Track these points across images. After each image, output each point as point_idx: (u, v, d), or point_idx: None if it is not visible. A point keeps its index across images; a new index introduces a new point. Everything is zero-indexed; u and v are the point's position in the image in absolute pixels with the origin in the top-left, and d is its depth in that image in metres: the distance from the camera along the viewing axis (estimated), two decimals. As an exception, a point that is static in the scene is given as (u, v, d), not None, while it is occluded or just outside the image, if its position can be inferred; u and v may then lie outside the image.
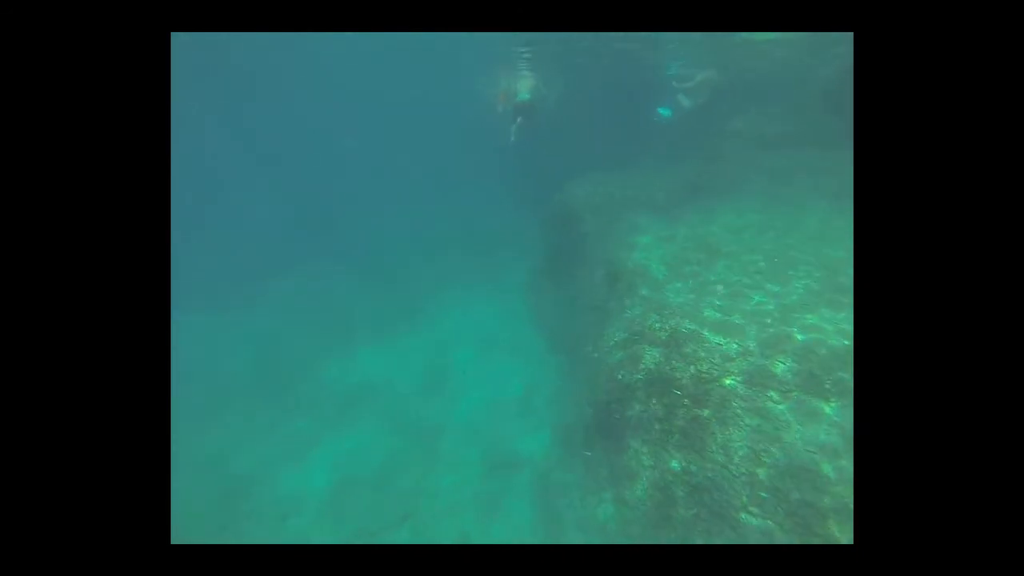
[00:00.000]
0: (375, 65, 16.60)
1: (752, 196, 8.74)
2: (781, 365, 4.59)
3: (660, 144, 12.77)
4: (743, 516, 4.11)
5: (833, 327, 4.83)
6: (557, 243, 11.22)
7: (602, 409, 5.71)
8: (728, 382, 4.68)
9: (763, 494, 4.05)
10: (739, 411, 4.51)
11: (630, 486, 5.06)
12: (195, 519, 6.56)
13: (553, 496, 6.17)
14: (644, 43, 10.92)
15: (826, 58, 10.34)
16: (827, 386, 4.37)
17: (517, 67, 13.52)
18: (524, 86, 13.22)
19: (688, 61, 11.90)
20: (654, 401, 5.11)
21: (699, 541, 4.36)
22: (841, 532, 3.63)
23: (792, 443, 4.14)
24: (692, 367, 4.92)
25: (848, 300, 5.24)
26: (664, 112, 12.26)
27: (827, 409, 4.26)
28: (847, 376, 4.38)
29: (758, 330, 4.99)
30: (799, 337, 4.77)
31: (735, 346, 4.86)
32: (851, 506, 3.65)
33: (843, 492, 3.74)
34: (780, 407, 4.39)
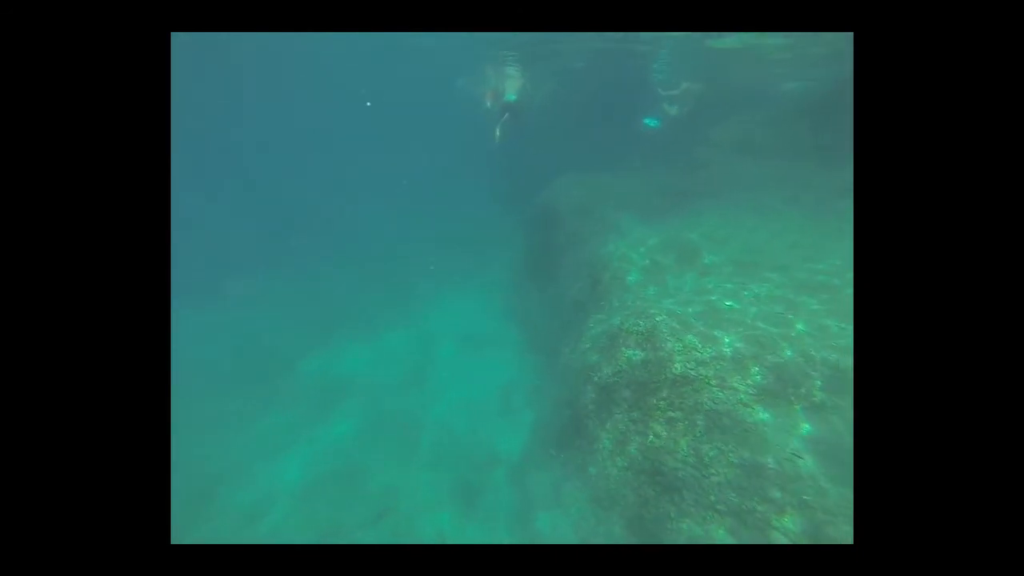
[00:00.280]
0: (362, 64, 16.63)
1: (731, 203, 8.97)
2: (755, 370, 4.71)
3: (644, 148, 12.87)
4: (710, 515, 4.22)
5: (806, 333, 4.96)
6: (539, 243, 11.30)
7: (579, 409, 5.76)
8: (702, 385, 4.77)
9: (732, 495, 4.15)
10: (712, 413, 4.60)
11: (605, 486, 5.10)
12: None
13: (529, 494, 6.20)
14: (630, 47, 10.98)
15: (807, 74, 10.48)
16: (800, 391, 4.49)
17: (504, 67, 13.60)
18: (511, 86, 13.26)
19: (672, 68, 11.97)
20: (630, 403, 5.17)
21: (670, 540, 4.41)
22: (794, 524, 3.82)
23: (760, 445, 4.26)
24: (668, 369, 5.00)
25: (820, 306, 5.43)
26: (651, 123, 12.31)
27: (797, 410, 4.40)
28: (818, 381, 4.53)
29: (733, 334, 5.11)
30: (774, 343, 4.89)
31: (710, 350, 4.96)
32: (809, 501, 3.84)
33: (805, 489, 3.91)
34: (751, 410, 4.49)
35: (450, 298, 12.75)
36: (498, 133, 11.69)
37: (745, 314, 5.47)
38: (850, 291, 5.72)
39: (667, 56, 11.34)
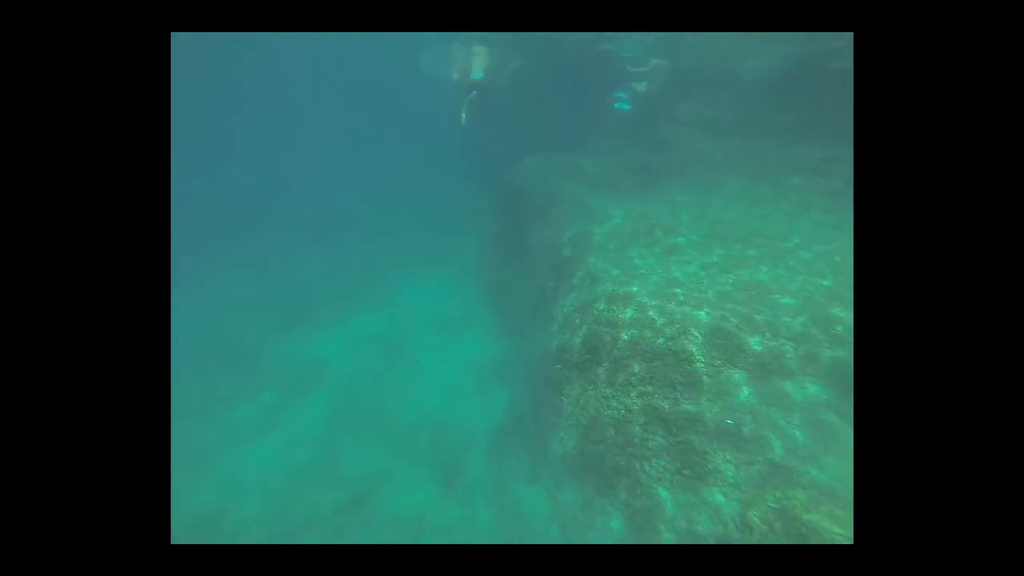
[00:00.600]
0: (328, 41, 16.34)
1: (697, 181, 9.09)
2: (718, 343, 4.91)
3: (611, 126, 12.74)
4: (675, 479, 4.40)
5: (772, 306, 5.27)
6: (509, 222, 11.25)
7: (551, 386, 5.81)
8: (667, 360, 4.91)
9: (695, 458, 4.36)
10: (683, 386, 4.74)
11: (581, 460, 5.17)
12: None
13: (507, 472, 6.21)
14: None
15: (767, 51, 10.51)
16: (747, 359, 4.79)
17: (471, 44, 13.36)
18: (478, 64, 12.97)
19: (642, 46, 11.81)
20: (601, 379, 5.23)
21: (640, 504, 4.50)
22: (727, 469, 4.15)
23: (716, 412, 4.50)
24: (637, 345, 5.10)
25: (788, 279, 5.74)
26: (622, 107, 12.20)
27: (737, 377, 4.73)
28: (757, 347, 4.86)
29: (700, 309, 5.29)
30: (740, 316, 5.13)
31: (678, 326, 5.09)
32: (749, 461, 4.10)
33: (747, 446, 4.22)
34: (715, 380, 4.72)
35: (421, 280, 12.65)
36: (464, 116, 11.52)
37: (710, 288, 5.69)
38: (810, 264, 6.05)
39: (637, 33, 11.24)
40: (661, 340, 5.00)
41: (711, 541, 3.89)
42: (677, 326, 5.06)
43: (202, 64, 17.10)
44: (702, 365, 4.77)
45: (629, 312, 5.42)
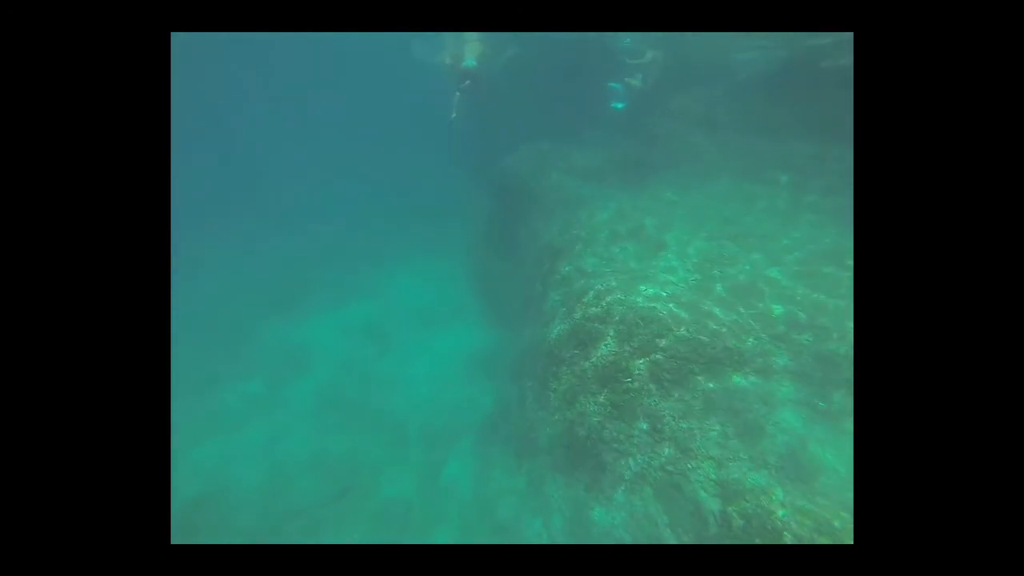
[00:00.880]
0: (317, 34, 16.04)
1: (689, 175, 9.09)
2: (704, 340, 4.93)
3: (605, 118, 12.62)
4: (659, 475, 4.42)
5: (763, 311, 5.28)
6: (500, 213, 11.17)
7: (540, 382, 5.80)
8: (657, 357, 4.90)
9: (681, 456, 4.34)
10: (665, 382, 4.75)
11: (567, 454, 5.19)
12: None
13: (493, 463, 6.20)
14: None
15: (756, 43, 10.51)
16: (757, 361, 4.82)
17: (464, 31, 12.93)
18: (471, 51, 12.54)
19: (638, 38, 11.69)
20: (587, 373, 5.23)
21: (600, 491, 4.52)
22: (708, 466, 4.15)
23: (706, 406, 4.52)
24: (629, 342, 5.08)
25: (781, 276, 5.77)
26: (617, 106, 12.08)
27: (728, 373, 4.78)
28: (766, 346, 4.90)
29: (692, 305, 5.30)
30: (737, 313, 5.16)
31: (665, 322, 5.10)
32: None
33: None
34: (699, 379, 4.74)
35: (411, 270, 12.59)
36: (454, 115, 11.20)
37: (700, 285, 5.71)
38: (801, 261, 6.09)
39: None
40: (649, 335, 5.01)
41: (690, 537, 3.91)
42: (665, 322, 5.07)
43: (202, 64, 17.08)
44: (689, 361, 4.78)
45: (618, 307, 5.43)
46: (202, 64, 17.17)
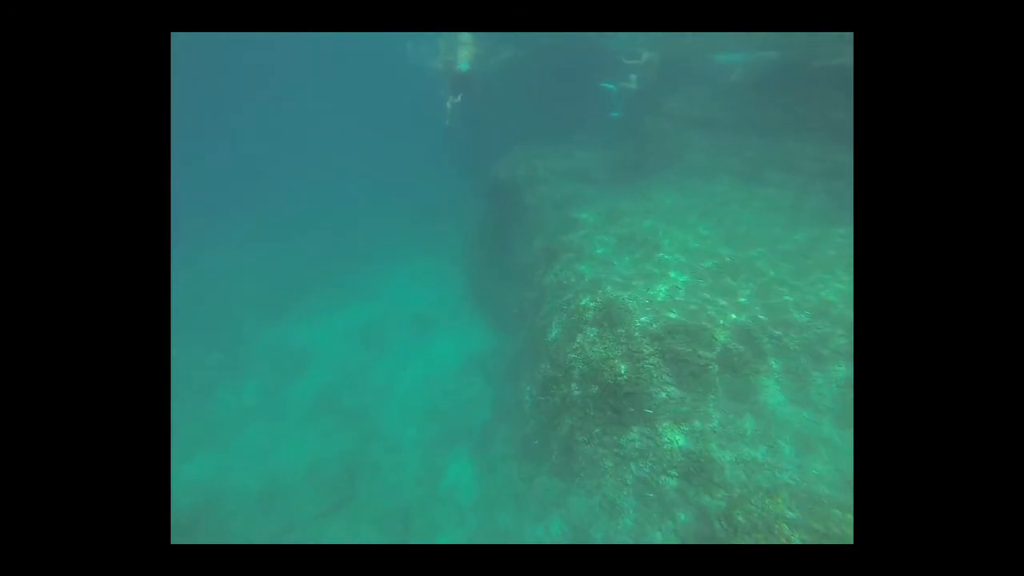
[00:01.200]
0: (316, 34, 15.99)
1: (683, 175, 9.15)
2: (704, 340, 4.94)
3: (600, 120, 12.60)
4: (666, 479, 4.42)
5: (755, 303, 5.30)
6: (495, 215, 11.21)
7: (538, 386, 5.80)
8: (655, 360, 4.91)
9: (682, 459, 4.36)
10: (666, 385, 4.75)
11: (566, 460, 5.16)
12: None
13: (493, 472, 6.17)
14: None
15: (743, 45, 10.51)
16: (755, 364, 4.83)
17: (458, 33, 12.70)
18: (464, 54, 12.41)
19: (634, 38, 11.64)
20: (586, 376, 5.21)
21: (628, 504, 4.50)
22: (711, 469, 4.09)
23: (707, 409, 4.53)
24: (624, 346, 5.08)
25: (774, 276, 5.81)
26: (616, 115, 12.08)
27: (724, 375, 4.77)
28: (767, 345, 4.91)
29: (686, 310, 5.29)
30: (729, 316, 5.17)
31: (660, 326, 5.10)
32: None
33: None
34: (696, 381, 4.75)
35: (408, 272, 12.54)
36: (448, 123, 11.13)
37: (696, 287, 5.73)
38: (795, 260, 6.12)
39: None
40: (647, 339, 5.00)
41: (699, 539, 3.90)
42: (663, 323, 5.06)
43: (203, 64, 17.06)
44: (688, 364, 4.78)
45: (614, 309, 5.42)
46: (203, 64, 17.17)
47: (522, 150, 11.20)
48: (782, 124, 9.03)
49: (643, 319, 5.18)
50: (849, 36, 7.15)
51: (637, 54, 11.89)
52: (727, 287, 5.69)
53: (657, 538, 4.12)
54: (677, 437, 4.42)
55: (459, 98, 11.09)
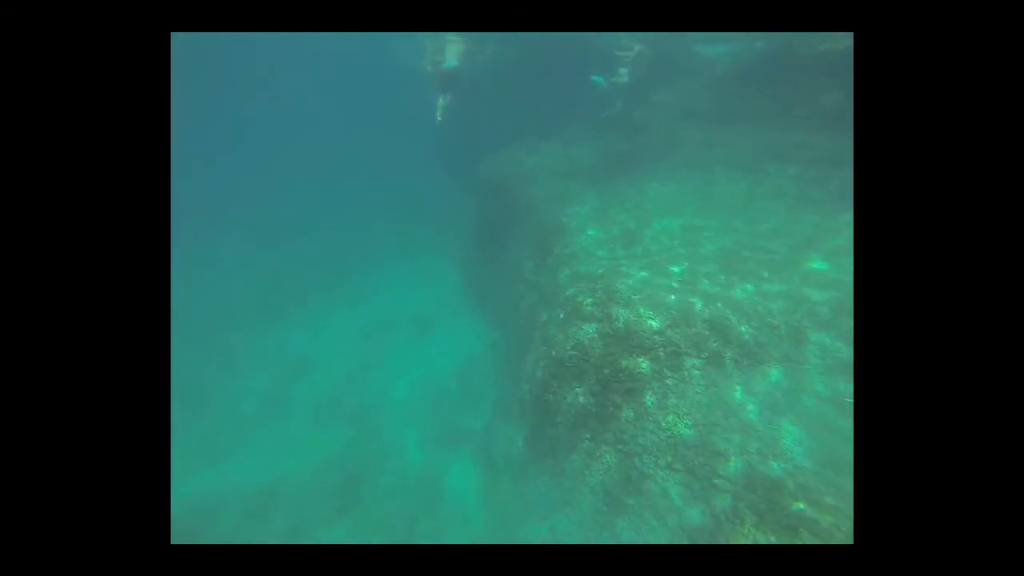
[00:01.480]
0: (306, 35, 15.53)
1: (676, 168, 9.05)
2: (704, 332, 4.92)
3: (591, 113, 12.42)
4: (665, 473, 4.40)
5: (753, 296, 5.28)
6: (490, 214, 11.07)
7: (538, 385, 5.76)
8: (655, 354, 4.87)
9: (687, 452, 4.33)
10: (667, 377, 4.73)
11: (569, 458, 5.14)
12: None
13: (496, 473, 6.13)
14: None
15: (725, 35, 10.45)
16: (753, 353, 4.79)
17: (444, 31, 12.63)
18: (452, 51, 12.23)
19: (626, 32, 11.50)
20: (588, 374, 5.19)
21: (630, 501, 4.49)
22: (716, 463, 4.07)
23: (711, 406, 4.48)
24: (624, 341, 5.04)
25: (766, 269, 5.75)
26: (598, 80, 11.91)
27: (734, 373, 4.72)
28: (752, 336, 4.86)
29: (685, 302, 5.25)
30: (725, 307, 5.13)
31: (660, 319, 5.07)
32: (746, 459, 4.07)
33: (742, 439, 4.21)
34: (698, 374, 4.72)
35: (404, 273, 12.42)
36: (439, 117, 10.95)
37: (694, 279, 5.68)
38: (790, 250, 6.05)
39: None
40: (648, 333, 4.97)
41: (705, 534, 3.89)
42: (666, 318, 5.03)
43: (202, 64, 17.03)
44: (689, 356, 4.75)
45: (613, 304, 5.37)
46: (200, 64, 17.14)
47: (514, 147, 11.07)
48: (772, 113, 8.89)
49: (642, 311, 5.15)
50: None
51: (629, 47, 11.74)
52: (727, 277, 5.66)
53: (664, 532, 4.10)
54: (683, 430, 4.39)
55: (448, 96, 10.93)
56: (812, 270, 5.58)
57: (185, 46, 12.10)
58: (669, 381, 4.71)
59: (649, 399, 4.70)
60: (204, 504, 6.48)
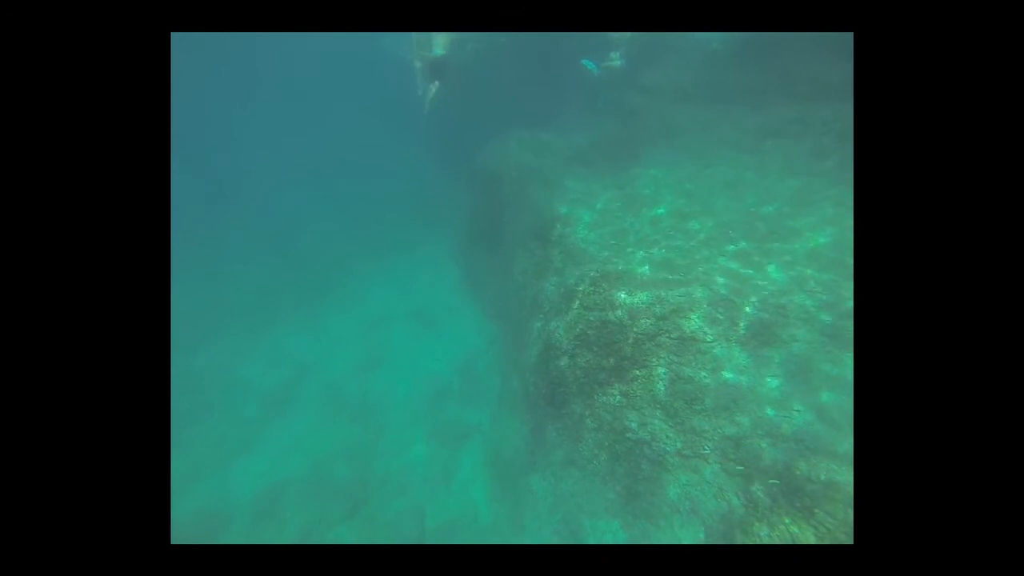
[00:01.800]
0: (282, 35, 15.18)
1: (672, 150, 8.89)
2: (708, 316, 4.84)
3: (584, 99, 12.14)
4: (676, 460, 4.39)
5: (747, 273, 5.21)
6: (483, 206, 10.86)
7: (543, 375, 5.72)
8: (665, 339, 4.82)
9: (697, 438, 4.31)
10: (674, 363, 4.69)
11: (577, 448, 5.12)
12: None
13: (505, 464, 6.11)
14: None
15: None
16: (744, 334, 4.72)
17: None
18: (439, 39, 11.85)
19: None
20: (592, 364, 5.15)
21: (641, 489, 4.47)
22: (727, 447, 4.02)
23: (717, 387, 4.46)
24: (629, 329, 5.00)
25: (775, 248, 5.63)
26: (589, 65, 11.70)
27: (735, 351, 4.65)
28: (755, 314, 4.78)
29: (687, 284, 5.19)
30: (720, 289, 5.08)
31: (664, 304, 5.01)
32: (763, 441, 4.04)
33: (746, 421, 4.20)
34: (709, 355, 4.66)
35: (400, 268, 12.26)
36: (427, 105, 10.64)
37: (693, 261, 5.60)
38: (795, 230, 5.90)
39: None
40: (653, 320, 4.92)
41: (716, 518, 3.85)
42: (669, 304, 4.98)
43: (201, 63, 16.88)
44: (699, 343, 4.69)
45: (616, 294, 5.32)
46: (197, 64, 16.99)
47: (506, 136, 10.82)
48: (767, 89, 8.69)
49: (642, 296, 5.10)
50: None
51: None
52: (728, 259, 5.58)
53: (675, 521, 4.07)
54: (693, 418, 4.36)
55: (436, 85, 10.65)
56: (815, 257, 5.39)
57: (185, 46, 12.03)
58: (675, 365, 4.66)
59: (660, 386, 4.66)
60: (213, 510, 6.49)
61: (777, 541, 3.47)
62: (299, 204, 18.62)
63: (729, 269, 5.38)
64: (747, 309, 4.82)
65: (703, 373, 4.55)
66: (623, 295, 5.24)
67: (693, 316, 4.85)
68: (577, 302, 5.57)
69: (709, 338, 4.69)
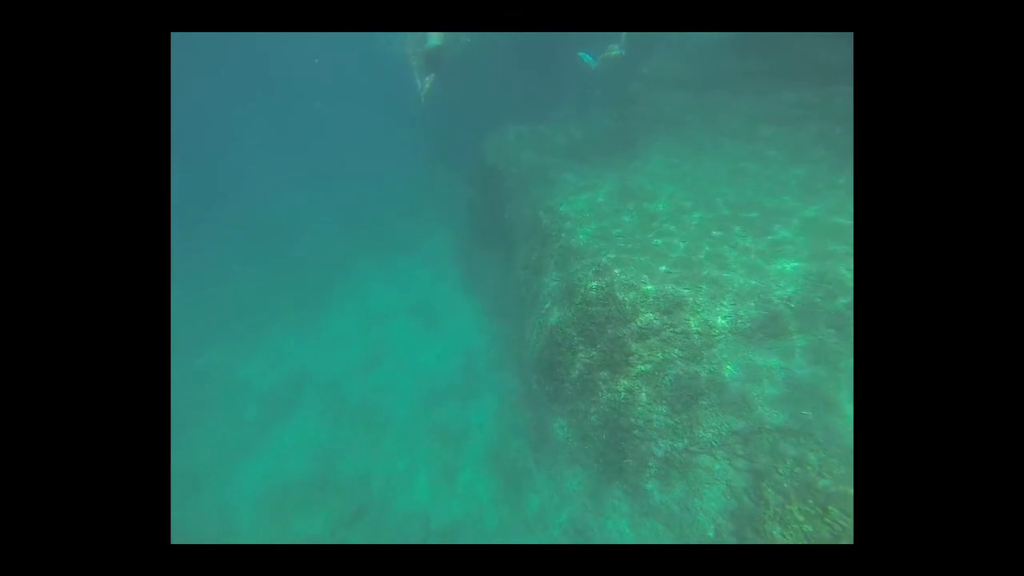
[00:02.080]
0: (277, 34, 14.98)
1: (671, 140, 8.79)
2: (713, 310, 4.78)
3: (582, 91, 12.03)
4: (683, 457, 4.36)
5: (761, 271, 5.11)
6: (482, 201, 10.80)
7: (545, 371, 5.69)
8: (665, 333, 4.77)
9: (704, 434, 4.27)
10: (678, 359, 4.64)
11: (581, 445, 5.10)
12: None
13: (509, 463, 6.10)
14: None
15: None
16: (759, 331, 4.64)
17: None
18: (434, 32, 12.08)
19: None
20: (595, 360, 5.11)
21: (647, 480, 4.46)
22: (734, 442, 3.89)
23: (723, 382, 4.41)
24: (631, 323, 4.96)
25: (772, 237, 5.53)
26: (587, 58, 11.60)
27: (734, 346, 4.59)
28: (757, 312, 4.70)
29: (690, 277, 5.11)
30: (725, 282, 4.99)
31: (667, 298, 4.96)
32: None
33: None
34: (715, 349, 4.60)
35: (399, 266, 12.19)
36: (423, 97, 10.66)
37: (695, 255, 5.52)
38: (791, 216, 5.81)
39: None
40: (656, 314, 4.85)
41: (725, 516, 3.82)
42: (673, 298, 4.91)
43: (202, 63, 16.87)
44: (704, 337, 4.63)
45: (618, 288, 5.25)
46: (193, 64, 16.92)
47: (504, 130, 10.75)
48: (767, 74, 8.54)
49: (648, 288, 5.04)
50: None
51: None
52: (728, 250, 5.51)
53: (684, 520, 4.05)
54: (699, 414, 4.31)
55: (432, 78, 10.40)
56: (816, 248, 5.29)
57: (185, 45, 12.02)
58: (681, 362, 4.61)
59: (665, 381, 4.62)
60: (219, 515, 6.47)
61: (791, 540, 3.42)
62: (299, 204, 18.48)
63: (733, 261, 5.27)
64: (752, 302, 4.73)
65: (709, 368, 4.49)
66: (625, 289, 5.18)
67: (698, 310, 4.77)
68: (579, 297, 5.51)
69: (714, 332, 4.62)
